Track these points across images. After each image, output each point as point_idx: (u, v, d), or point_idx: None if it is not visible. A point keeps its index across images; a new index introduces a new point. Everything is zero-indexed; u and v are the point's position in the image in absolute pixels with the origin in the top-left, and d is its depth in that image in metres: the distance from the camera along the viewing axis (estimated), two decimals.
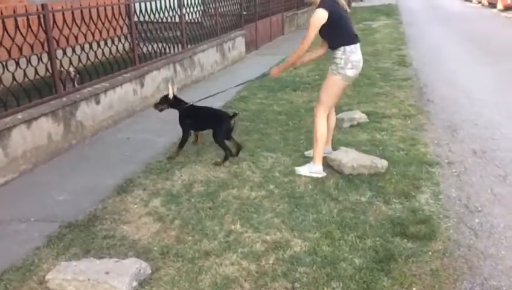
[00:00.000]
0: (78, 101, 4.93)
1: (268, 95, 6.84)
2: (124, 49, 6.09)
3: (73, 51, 5.04)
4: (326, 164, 4.11)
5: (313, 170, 3.95)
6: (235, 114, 4.36)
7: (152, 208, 3.48)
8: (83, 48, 5.18)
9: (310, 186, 3.76)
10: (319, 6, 3.66)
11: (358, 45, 3.82)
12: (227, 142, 4.34)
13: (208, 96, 4.76)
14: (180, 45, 7.47)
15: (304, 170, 3.98)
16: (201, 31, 8.28)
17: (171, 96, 4.43)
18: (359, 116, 5.35)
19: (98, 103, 5.28)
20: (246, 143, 4.72)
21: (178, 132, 4.96)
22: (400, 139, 4.78)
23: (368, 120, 5.36)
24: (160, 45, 6.93)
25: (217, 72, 8.71)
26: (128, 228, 3.22)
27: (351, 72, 3.79)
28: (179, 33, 7.46)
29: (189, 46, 7.76)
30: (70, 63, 5.07)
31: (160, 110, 4.52)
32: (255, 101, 6.50)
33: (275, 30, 13.01)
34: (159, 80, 6.68)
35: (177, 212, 3.40)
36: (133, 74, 6.02)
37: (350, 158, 3.99)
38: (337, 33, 3.74)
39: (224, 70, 8.90)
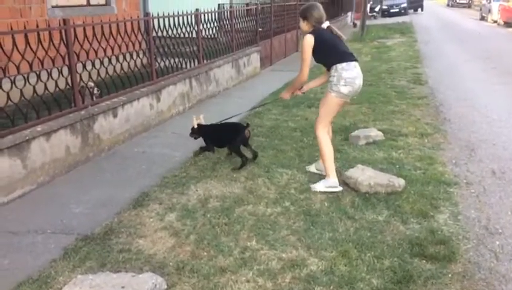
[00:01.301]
0: (96, 115, 4.99)
1: (283, 111, 6.85)
2: (141, 63, 6.17)
3: (93, 65, 5.12)
4: (342, 181, 4.10)
5: (328, 184, 3.99)
6: (247, 124, 4.62)
7: (167, 223, 3.48)
8: (102, 62, 5.26)
9: (326, 204, 3.74)
10: (307, 33, 3.88)
11: (353, 63, 3.90)
12: (243, 149, 4.53)
13: (224, 120, 4.92)
14: (196, 60, 7.56)
15: (319, 186, 4.01)
16: (217, 46, 8.37)
17: (195, 125, 4.80)
18: (375, 133, 5.33)
19: (115, 116, 5.34)
20: (261, 159, 4.73)
21: (193, 146, 5.00)
22: (416, 157, 4.75)
23: (384, 138, 5.34)
24: (177, 60, 7.02)
25: (232, 88, 8.77)
26: (143, 242, 3.23)
27: (345, 89, 3.86)
28: (195, 48, 7.55)
29: (205, 61, 7.85)
30: (90, 77, 5.14)
31: (194, 138, 4.90)
32: (269, 117, 6.52)
33: (289, 46, 13.10)
34: (175, 95, 6.75)
35: (193, 228, 3.40)
36: (150, 88, 6.09)
37: (366, 176, 3.97)
38: (327, 54, 3.89)
39: (239, 86, 8.96)
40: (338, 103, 3.95)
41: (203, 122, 4.89)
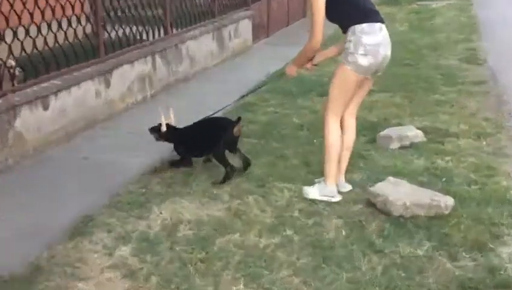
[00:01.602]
0: (18, 106, 4.97)
1: (285, 102, 6.85)
2: (84, 33, 6.16)
3: (15, 35, 5.09)
4: (367, 201, 4.11)
5: (325, 192, 4.16)
6: (238, 119, 4.61)
7: (119, 259, 3.47)
8: (27, 32, 5.23)
9: (344, 232, 3.75)
10: None
11: (377, 24, 3.98)
12: (231, 157, 4.60)
13: (205, 118, 4.91)
14: (162, 29, 7.56)
15: (313, 192, 4.20)
16: (192, 10, 8.39)
17: (163, 128, 4.76)
18: (413, 133, 5.37)
19: (45, 108, 5.31)
20: (252, 169, 4.73)
21: (158, 150, 5.00)
22: (471, 167, 4.78)
23: (425, 139, 5.38)
24: (134, 29, 7.00)
25: (212, 68, 8.77)
26: (85, 286, 3.20)
27: (365, 60, 3.93)
28: (160, 12, 7.55)
29: (174, 30, 7.85)
30: (10, 52, 5.12)
31: (156, 140, 4.91)
32: (265, 110, 6.52)
33: (293, 10, 13.13)
34: (131, 78, 6.73)
35: (155, 266, 3.39)
36: (95, 68, 6.06)
37: (401, 194, 3.98)
38: (344, 11, 3.98)
39: (223, 66, 8.96)
40: (354, 79, 4.01)
41: (173, 122, 4.87)
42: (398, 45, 10.70)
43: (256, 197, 4.25)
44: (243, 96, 5.40)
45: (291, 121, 6.10)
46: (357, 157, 4.93)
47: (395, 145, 5.23)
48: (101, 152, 5.30)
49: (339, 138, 4.17)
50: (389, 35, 4.12)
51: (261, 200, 4.21)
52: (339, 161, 4.27)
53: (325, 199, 4.16)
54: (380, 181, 4.26)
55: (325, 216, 3.98)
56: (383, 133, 5.40)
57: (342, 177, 4.40)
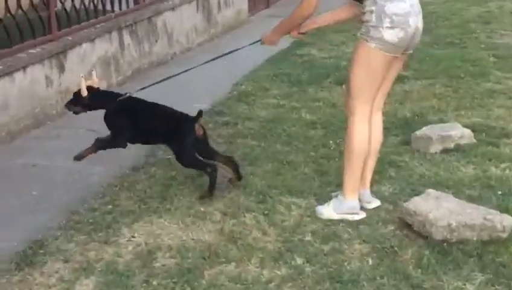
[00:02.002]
0: None
1: (291, 92, 6.87)
2: (31, 3, 6.15)
3: None
4: (400, 221, 4.12)
5: (343, 208, 4.19)
6: (199, 113, 4.61)
7: None
8: None
9: (371, 262, 3.75)
10: None
11: None
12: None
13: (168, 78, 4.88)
14: None
15: (327, 211, 4.23)
16: None
17: (84, 92, 4.62)
18: (459, 133, 5.39)
19: None
20: (249, 179, 4.74)
21: (127, 154, 4.99)
22: None
23: (474, 140, 5.40)
24: None
25: (196, 48, 8.78)
26: None
27: (393, 35, 3.95)
28: None
29: None
30: None
31: (75, 113, 4.87)
32: (266, 102, 6.54)
33: None
34: (92, 60, 6.75)
35: None
36: (46, 48, 6.08)
37: (444, 211, 3.98)
38: None
39: (211, 45, 8.98)
40: (382, 60, 4.02)
41: (96, 83, 4.76)
42: (437, 19, 10.76)
43: (256, 216, 4.24)
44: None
45: (301, 116, 6.11)
46: (386, 164, 4.96)
47: (435, 148, 5.24)
48: (54, 157, 5.30)
49: (367, 141, 4.16)
50: (426, 6, 4.13)
51: (263, 220, 4.20)
52: (362, 169, 4.28)
53: (344, 217, 4.18)
54: (417, 195, 4.24)
55: (345, 240, 3.95)
56: (419, 132, 5.40)
57: (367, 190, 4.42)
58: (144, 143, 4.91)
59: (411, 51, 4.23)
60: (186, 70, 4.95)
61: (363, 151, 4.16)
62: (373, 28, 3.95)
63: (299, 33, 4.38)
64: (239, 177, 4.68)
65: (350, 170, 4.19)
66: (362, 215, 4.22)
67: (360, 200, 4.33)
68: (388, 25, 3.92)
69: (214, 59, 4.91)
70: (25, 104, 5.80)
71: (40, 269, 3.70)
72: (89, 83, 4.71)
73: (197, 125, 4.59)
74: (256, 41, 4.60)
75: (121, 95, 4.76)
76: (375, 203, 4.40)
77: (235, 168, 4.69)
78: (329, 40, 8.57)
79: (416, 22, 4.04)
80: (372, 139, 4.27)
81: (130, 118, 4.69)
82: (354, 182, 4.21)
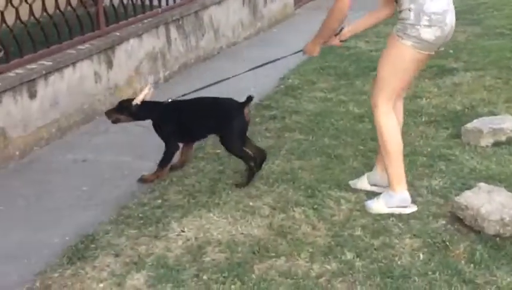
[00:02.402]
0: None
1: (338, 85, 6.85)
2: None
3: None
4: (451, 215, 4.09)
5: (393, 202, 4.20)
6: (249, 98, 4.63)
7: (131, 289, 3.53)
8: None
9: (422, 256, 3.73)
10: None
11: None
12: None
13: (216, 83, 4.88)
14: None
15: (378, 206, 4.24)
16: None
17: (137, 101, 4.74)
18: (510, 125, 5.33)
19: (32, 96, 5.41)
20: (298, 173, 4.75)
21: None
22: None
23: None
24: None
25: (243, 41, 8.78)
26: None
27: (430, 33, 3.97)
28: None
29: None
30: None
31: (114, 122, 5.00)
32: (313, 95, 6.53)
33: None
34: (139, 56, 6.80)
35: None
36: (94, 44, 6.13)
37: (497, 205, 3.94)
38: None
39: (257, 39, 8.97)
40: (416, 58, 4.05)
41: (149, 96, 4.85)
42: (487, 9, 10.61)
43: (306, 210, 4.25)
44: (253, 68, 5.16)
45: (348, 110, 6.09)
46: (436, 158, 4.94)
47: (486, 141, 5.19)
48: (103, 152, 5.37)
49: (398, 131, 4.19)
50: None
51: (312, 214, 4.20)
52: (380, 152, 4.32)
53: (395, 211, 4.18)
54: (468, 189, 4.21)
55: (396, 235, 3.94)
56: (470, 125, 5.35)
57: (375, 170, 4.47)
58: (199, 138, 5.00)
59: (443, 48, 4.27)
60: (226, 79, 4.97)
61: (397, 143, 4.19)
62: (410, 26, 3.96)
63: (341, 41, 4.41)
64: (260, 165, 4.70)
65: (391, 164, 4.20)
66: (413, 208, 4.22)
67: (377, 184, 4.42)
68: (426, 23, 3.94)
69: (257, 67, 4.97)
70: (75, 100, 5.87)
71: (92, 263, 3.76)
72: (145, 94, 4.80)
73: (246, 110, 4.63)
74: (298, 52, 4.61)
75: (163, 103, 4.84)
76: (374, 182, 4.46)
77: (261, 161, 4.71)
78: (376, 32, 8.48)
79: (452, 19, 4.04)
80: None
81: (177, 121, 4.78)
82: (398, 174, 4.22)
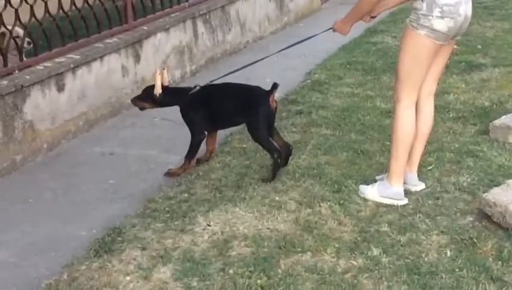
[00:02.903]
0: (26, 87, 5.10)
1: (365, 80, 6.83)
2: None
3: None
4: (479, 212, 4.06)
5: (388, 193, 4.27)
6: (274, 86, 4.62)
7: (158, 283, 3.53)
8: None
9: (449, 253, 3.71)
10: None
11: None
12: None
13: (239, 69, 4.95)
14: None
15: (371, 192, 4.34)
16: None
17: (158, 89, 4.74)
18: None
19: (60, 89, 5.45)
20: (324, 168, 4.75)
21: (203, 144, 5.03)
22: None
23: None
24: None
25: (269, 36, 8.78)
26: None
27: (442, 24, 3.99)
28: None
29: None
30: (17, 18, 5.25)
31: (141, 109, 5.09)
32: (340, 90, 6.52)
33: None
34: (167, 50, 6.83)
35: None
36: (122, 37, 6.17)
37: None
38: None
39: (283, 33, 8.97)
40: (430, 47, 4.08)
41: (166, 81, 4.88)
42: None
43: (332, 206, 4.24)
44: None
45: (375, 105, 6.07)
46: (463, 154, 4.91)
47: None
48: (130, 146, 5.41)
49: (412, 128, 4.21)
50: None
51: (338, 210, 4.20)
52: (411, 153, 4.33)
53: (387, 201, 4.27)
54: (496, 186, 4.19)
55: (423, 231, 3.93)
56: (498, 121, 5.30)
57: (414, 173, 4.46)
58: (223, 127, 5.04)
59: (459, 37, 4.28)
60: (253, 62, 5.02)
61: (409, 138, 4.22)
62: (423, 16, 3.99)
63: (371, 17, 4.45)
64: (286, 159, 4.72)
65: (396, 156, 4.25)
66: (404, 201, 4.27)
67: (405, 182, 4.38)
68: (438, 14, 3.96)
69: (286, 48, 4.97)
70: (102, 93, 5.91)
71: (119, 256, 3.78)
72: (159, 79, 4.79)
73: (271, 98, 4.63)
74: (328, 29, 4.64)
75: (191, 88, 4.85)
76: (421, 186, 4.47)
77: (287, 156, 4.72)
78: (403, 28, 8.44)
79: (466, 10, 4.06)
80: (422, 123, 4.34)
81: (205, 107, 4.78)
82: (399, 168, 4.28)
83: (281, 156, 4.64)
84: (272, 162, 4.65)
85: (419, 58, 4.10)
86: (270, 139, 4.68)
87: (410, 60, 4.12)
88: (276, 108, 4.74)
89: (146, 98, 4.90)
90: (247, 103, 4.69)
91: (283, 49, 4.99)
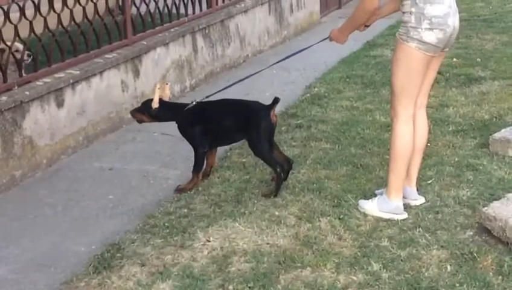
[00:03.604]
0: (26, 102, 5.10)
1: (364, 94, 6.84)
2: (107, 8, 6.26)
3: (22, 11, 5.21)
4: (479, 226, 4.06)
5: (387, 207, 4.27)
6: (275, 100, 4.62)
7: None
8: (38, 8, 5.36)
9: (449, 268, 3.70)
10: None
11: None
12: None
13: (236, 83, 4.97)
14: (204, 1, 7.63)
15: (370, 207, 4.33)
16: None
17: (156, 103, 4.74)
18: None
19: (60, 105, 5.45)
20: (324, 183, 4.74)
21: None
22: None
23: None
24: (169, 2, 7.08)
25: (268, 50, 8.79)
26: None
27: (431, 36, 4.03)
28: None
29: (220, 2, 7.91)
30: (17, 33, 5.26)
31: (139, 122, 5.07)
32: (339, 104, 6.53)
33: None
34: (166, 65, 6.83)
35: None
36: (122, 52, 6.17)
37: None
38: None
39: (283, 47, 8.98)
40: (421, 58, 4.09)
41: (167, 97, 4.90)
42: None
43: (332, 220, 4.24)
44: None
45: (375, 118, 6.07)
46: (463, 168, 4.90)
47: None
48: (130, 161, 5.40)
49: (410, 143, 4.22)
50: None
51: (338, 224, 4.19)
52: (408, 168, 4.33)
53: (386, 216, 4.27)
54: (496, 199, 4.18)
55: (423, 246, 3.92)
56: (497, 135, 5.30)
57: (413, 188, 4.46)
58: (225, 143, 5.06)
59: (447, 49, 4.28)
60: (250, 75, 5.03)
61: (407, 153, 4.23)
62: (412, 28, 4.02)
63: (365, 26, 4.46)
64: (285, 178, 4.69)
65: (395, 170, 4.26)
66: (404, 215, 4.27)
67: (405, 197, 4.38)
68: (427, 26, 4.00)
69: (283, 59, 5.07)
70: (101, 108, 5.90)
71: (118, 272, 3.77)
72: (160, 94, 4.80)
73: (272, 112, 4.62)
74: (325, 39, 4.69)
75: (188, 104, 4.85)
76: (421, 200, 4.47)
77: (287, 170, 4.70)
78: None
79: (454, 21, 4.10)
80: (417, 137, 4.33)
81: (203, 123, 4.77)
82: (398, 182, 4.28)
83: (284, 170, 4.63)
84: (275, 177, 4.64)
85: (412, 70, 4.11)
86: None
87: (403, 73, 4.14)
88: (276, 122, 4.73)
89: (144, 111, 4.90)
90: (247, 118, 4.68)
91: (279, 61, 5.08)
